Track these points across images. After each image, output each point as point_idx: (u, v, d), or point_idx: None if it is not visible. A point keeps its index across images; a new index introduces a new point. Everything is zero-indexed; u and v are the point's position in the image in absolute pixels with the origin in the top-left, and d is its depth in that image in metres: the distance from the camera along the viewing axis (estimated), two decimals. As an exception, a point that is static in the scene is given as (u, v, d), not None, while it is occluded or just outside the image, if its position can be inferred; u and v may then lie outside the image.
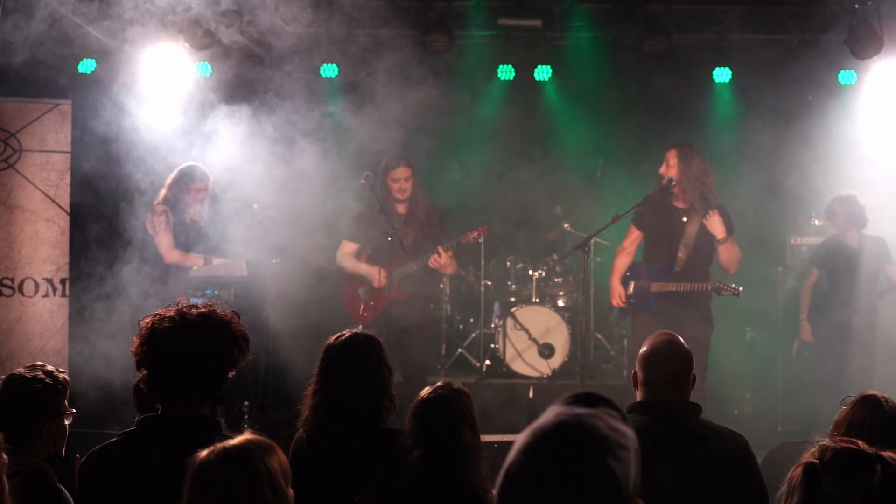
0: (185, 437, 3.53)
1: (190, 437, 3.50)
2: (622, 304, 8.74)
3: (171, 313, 3.71)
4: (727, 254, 8.44)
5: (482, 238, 9.33)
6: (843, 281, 9.64)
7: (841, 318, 9.57)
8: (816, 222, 10.49)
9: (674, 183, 8.42)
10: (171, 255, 8.75)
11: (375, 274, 8.91)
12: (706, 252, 8.50)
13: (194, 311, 3.73)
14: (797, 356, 10.06)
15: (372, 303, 8.96)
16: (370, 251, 9.08)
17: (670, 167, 8.48)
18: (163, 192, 8.89)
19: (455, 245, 9.00)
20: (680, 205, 8.52)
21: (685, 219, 8.50)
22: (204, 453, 2.86)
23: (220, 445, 2.87)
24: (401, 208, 9.10)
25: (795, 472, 3.09)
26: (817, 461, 3.10)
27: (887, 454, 3.11)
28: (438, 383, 4.50)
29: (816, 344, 9.68)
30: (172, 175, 8.93)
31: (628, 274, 8.74)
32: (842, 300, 9.60)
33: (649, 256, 8.75)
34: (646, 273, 8.64)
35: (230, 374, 3.76)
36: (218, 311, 3.78)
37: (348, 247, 9.25)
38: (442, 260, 8.80)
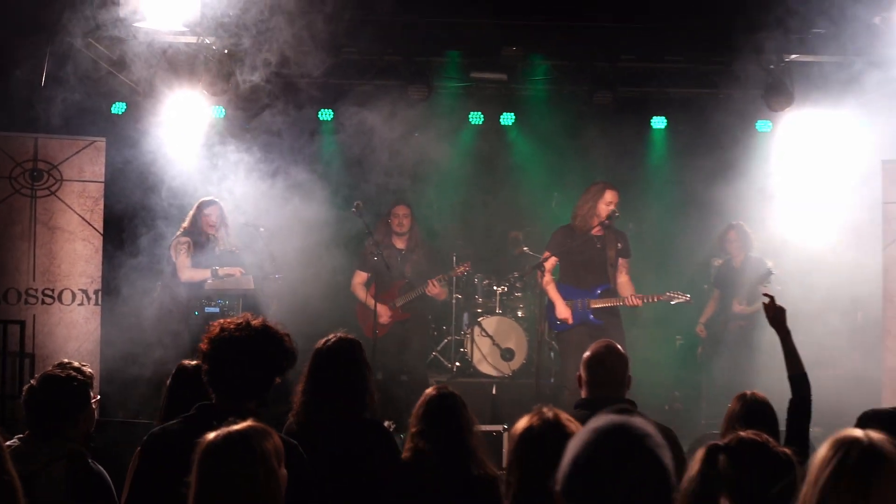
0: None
1: None
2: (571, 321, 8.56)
3: (239, 320, 3.70)
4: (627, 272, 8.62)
5: (467, 272, 9.87)
6: (730, 297, 9.80)
7: (728, 328, 9.75)
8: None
9: (618, 215, 8.48)
10: (184, 273, 8.73)
11: (382, 312, 9.31)
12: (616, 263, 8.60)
13: (257, 322, 3.72)
14: (702, 359, 10.23)
15: (381, 323, 9.33)
16: (376, 279, 9.39)
17: (611, 203, 8.49)
18: (184, 224, 8.94)
19: (446, 278, 9.55)
20: (597, 232, 8.52)
21: (599, 245, 8.56)
22: (210, 436, 2.89)
23: (223, 430, 2.90)
24: (399, 243, 9.49)
25: (700, 451, 3.17)
26: (721, 445, 3.18)
27: (782, 449, 3.19)
28: (434, 387, 4.55)
29: (725, 351, 9.77)
30: (192, 210, 8.98)
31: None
32: (729, 315, 9.78)
33: (578, 277, 8.66)
34: (576, 292, 8.59)
35: (277, 381, 3.73)
36: (274, 326, 3.76)
37: (359, 277, 9.60)
38: (435, 290, 9.35)
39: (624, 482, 2.02)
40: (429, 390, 4.52)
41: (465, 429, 4.40)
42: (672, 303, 8.62)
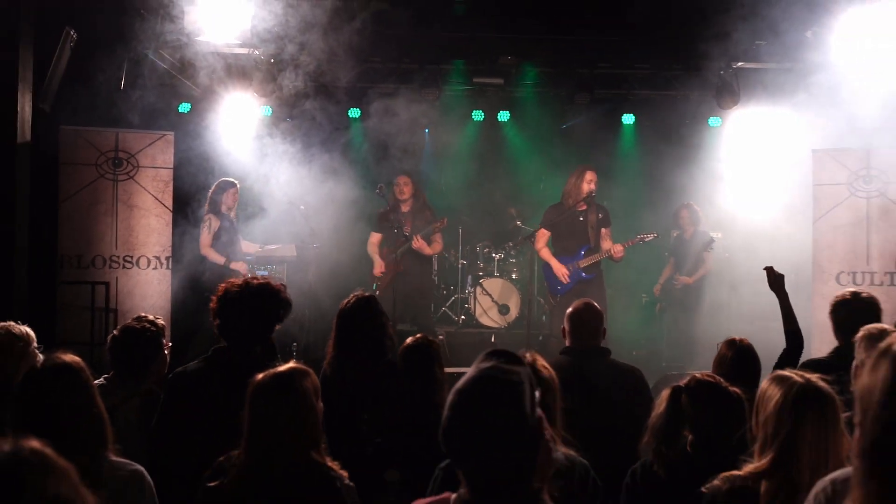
0: (242, 366, 3.56)
1: (245, 367, 3.54)
2: (568, 280, 8.37)
3: (240, 282, 3.73)
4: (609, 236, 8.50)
5: (443, 227, 9.13)
6: (682, 264, 9.82)
7: (681, 286, 9.75)
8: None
9: (594, 195, 8.37)
10: (204, 251, 8.59)
11: (378, 264, 9.13)
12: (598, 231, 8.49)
13: (255, 281, 3.74)
14: (659, 314, 10.27)
15: (382, 272, 9.11)
16: (387, 238, 9.16)
17: (591, 182, 8.39)
18: (206, 204, 8.75)
19: (431, 232, 9.04)
20: (581, 207, 8.42)
21: (581, 218, 8.45)
22: (260, 376, 2.90)
23: (271, 371, 2.90)
24: (405, 207, 9.16)
25: (665, 392, 3.12)
26: (683, 386, 3.13)
27: (733, 388, 3.14)
28: (418, 335, 4.36)
29: (678, 307, 9.80)
30: (212, 189, 8.75)
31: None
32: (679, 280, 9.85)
33: (566, 247, 8.49)
34: (566, 259, 8.42)
35: (277, 327, 3.75)
36: (272, 282, 3.77)
37: (374, 237, 9.29)
38: (417, 244, 8.89)
39: (478, 428, 1.82)
40: (408, 340, 4.34)
41: (432, 377, 4.27)
42: (645, 241, 8.46)
